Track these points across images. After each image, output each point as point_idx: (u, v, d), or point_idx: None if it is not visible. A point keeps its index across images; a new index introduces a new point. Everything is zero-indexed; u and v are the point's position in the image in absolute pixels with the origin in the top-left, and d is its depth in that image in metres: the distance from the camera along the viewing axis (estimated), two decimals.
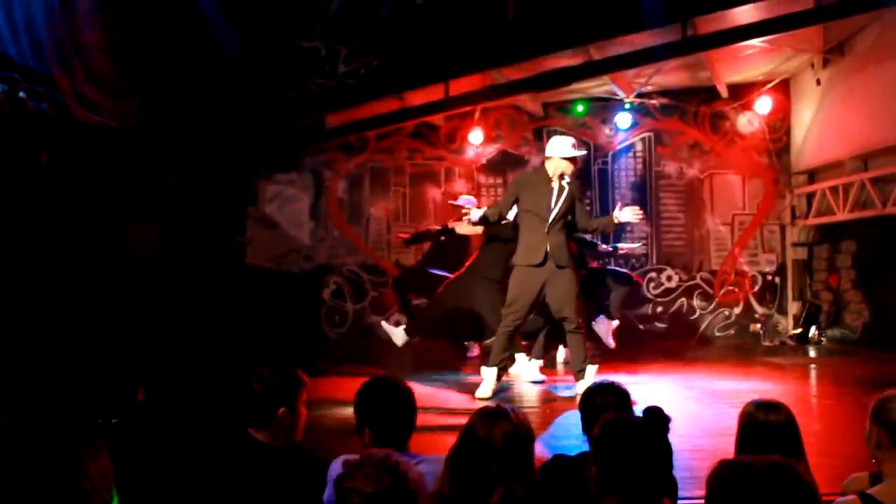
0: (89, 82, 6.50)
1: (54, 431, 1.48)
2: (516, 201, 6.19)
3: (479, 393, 6.04)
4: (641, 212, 6.32)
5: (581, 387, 5.84)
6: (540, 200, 6.06)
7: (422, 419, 2.65)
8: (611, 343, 7.57)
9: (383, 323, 7.97)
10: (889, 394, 2.53)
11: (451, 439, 2.26)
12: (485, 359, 6.54)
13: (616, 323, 7.76)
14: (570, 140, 6.24)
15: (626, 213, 6.18)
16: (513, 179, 7.73)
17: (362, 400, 2.73)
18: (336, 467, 2.53)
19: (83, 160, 6.07)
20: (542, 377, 6.78)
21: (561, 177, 6.10)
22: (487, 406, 2.26)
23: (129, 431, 4.81)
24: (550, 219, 6.01)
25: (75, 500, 1.42)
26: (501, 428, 2.12)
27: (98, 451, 1.51)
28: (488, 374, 6.09)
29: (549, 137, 9.91)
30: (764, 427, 2.61)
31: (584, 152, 6.36)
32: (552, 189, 6.06)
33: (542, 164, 6.31)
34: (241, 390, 2.76)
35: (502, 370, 6.19)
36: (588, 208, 9.80)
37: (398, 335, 7.39)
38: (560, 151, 6.11)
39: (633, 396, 3.09)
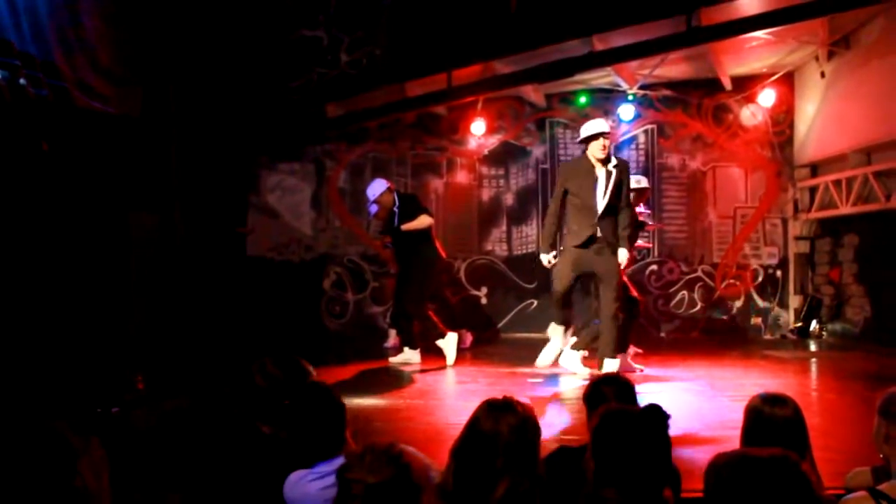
0: (91, 70, 6.47)
1: (50, 427, 1.47)
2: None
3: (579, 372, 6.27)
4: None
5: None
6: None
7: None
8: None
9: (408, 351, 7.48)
10: None
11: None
12: (477, 347, 6.53)
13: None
14: (593, 120, 6.41)
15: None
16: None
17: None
18: (291, 482, 2.49)
19: (84, 148, 6.05)
20: (584, 370, 6.57)
21: (602, 161, 6.27)
22: (493, 399, 2.23)
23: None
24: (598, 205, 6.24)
25: (69, 498, 1.42)
26: (507, 421, 2.10)
27: (90, 444, 1.50)
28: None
29: (551, 128, 9.99)
30: (770, 421, 2.60)
31: (599, 129, 6.25)
32: (596, 175, 6.29)
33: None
34: (246, 384, 2.71)
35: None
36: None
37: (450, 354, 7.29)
38: (583, 133, 6.34)
39: (637, 389, 3.07)
